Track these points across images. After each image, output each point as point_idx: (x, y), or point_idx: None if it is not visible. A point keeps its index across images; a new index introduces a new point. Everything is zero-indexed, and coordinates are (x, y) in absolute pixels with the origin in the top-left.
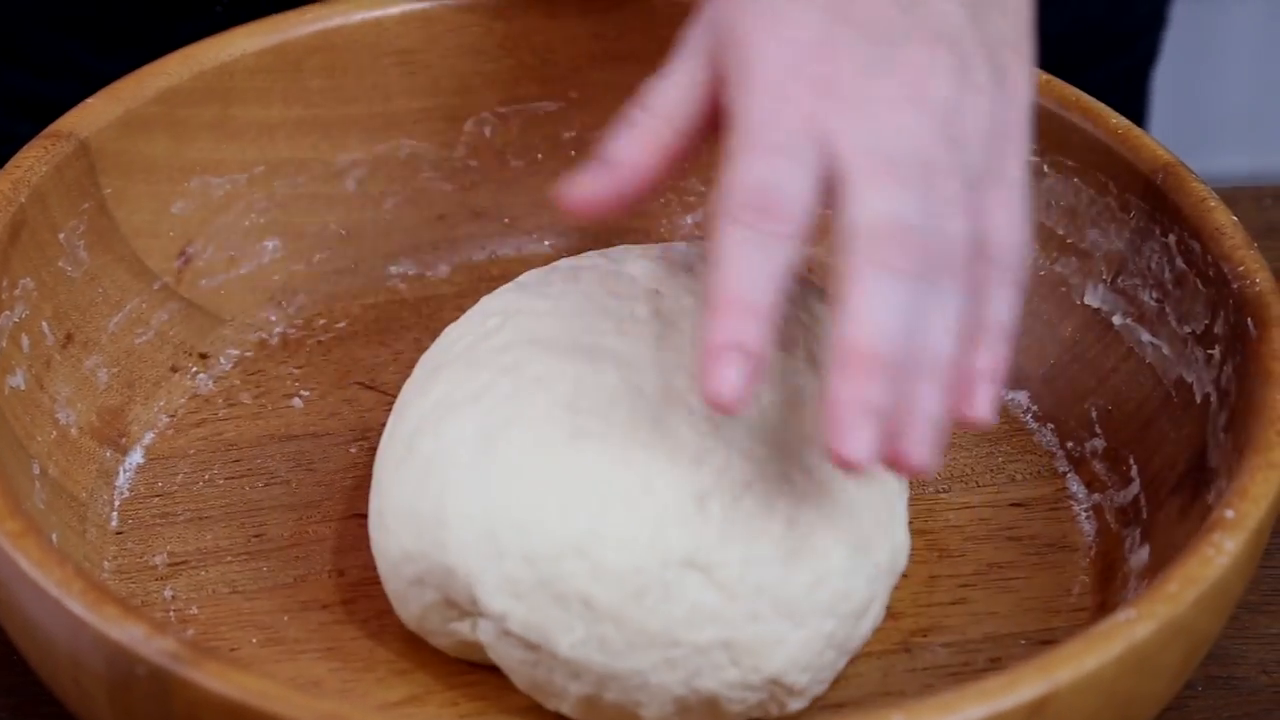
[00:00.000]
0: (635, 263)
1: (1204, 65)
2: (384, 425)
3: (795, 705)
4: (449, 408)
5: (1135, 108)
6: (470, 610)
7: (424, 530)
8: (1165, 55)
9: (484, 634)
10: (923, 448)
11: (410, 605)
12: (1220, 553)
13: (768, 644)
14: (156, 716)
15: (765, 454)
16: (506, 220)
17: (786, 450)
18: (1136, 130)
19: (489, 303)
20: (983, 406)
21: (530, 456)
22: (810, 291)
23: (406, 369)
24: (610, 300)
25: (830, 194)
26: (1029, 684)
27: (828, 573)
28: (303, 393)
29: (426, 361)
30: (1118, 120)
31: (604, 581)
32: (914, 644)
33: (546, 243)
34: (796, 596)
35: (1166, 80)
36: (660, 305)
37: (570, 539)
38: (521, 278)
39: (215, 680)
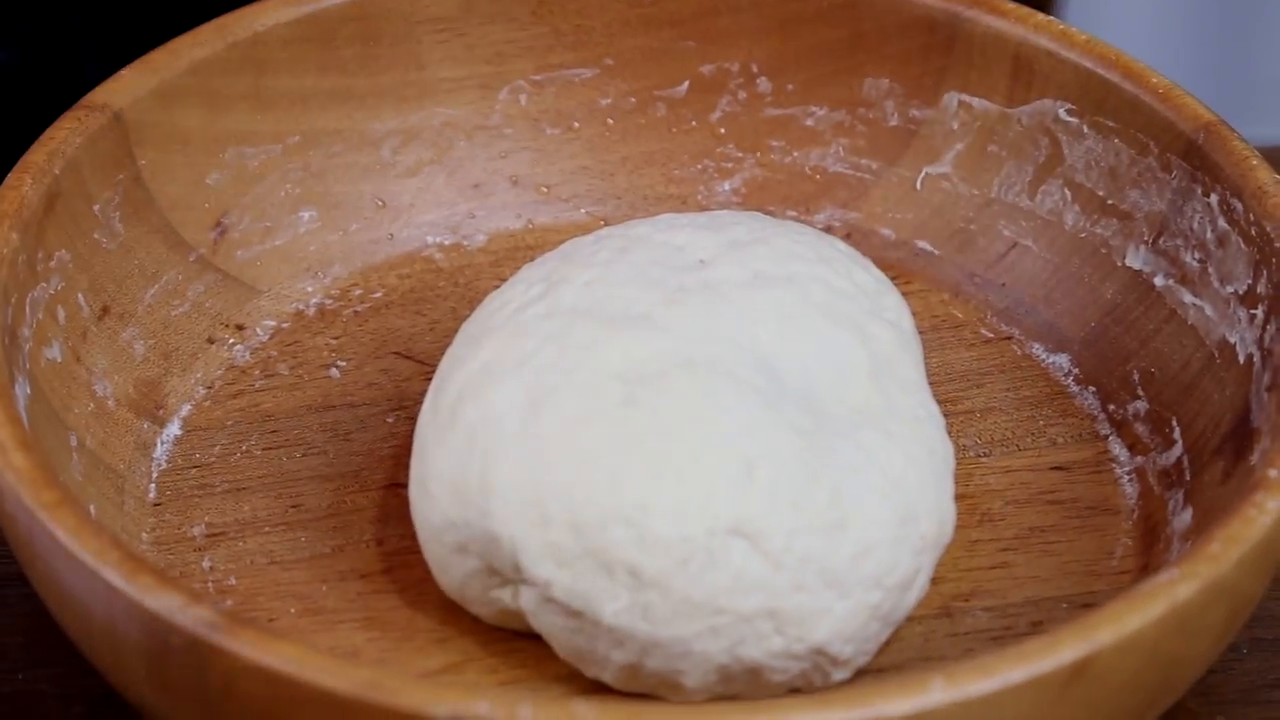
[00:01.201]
0: (681, 232)
1: (1255, 28)
2: (421, 395)
3: (838, 675)
4: (493, 375)
5: None
6: (513, 578)
7: (468, 497)
8: (1215, 18)
9: (526, 602)
10: None
11: (451, 573)
12: (1263, 512)
13: (813, 614)
14: (193, 686)
15: (813, 425)
16: (543, 188)
17: (834, 422)
18: (1178, 89)
19: (531, 270)
20: None
21: (577, 424)
22: (854, 261)
23: (443, 338)
24: (657, 270)
25: None
26: (1070, 645)
27: (874, 544)
28: (339, 363)
29: (468, 329)
30: (1158, 79)
31: (650, 549)
32: (955, 608)
33: (583, 210)
34: (842, 567)
35: (1216, 43)
36: (708, 276)
37: (616, 507)
38: (564, 246)
39: (251, 649)
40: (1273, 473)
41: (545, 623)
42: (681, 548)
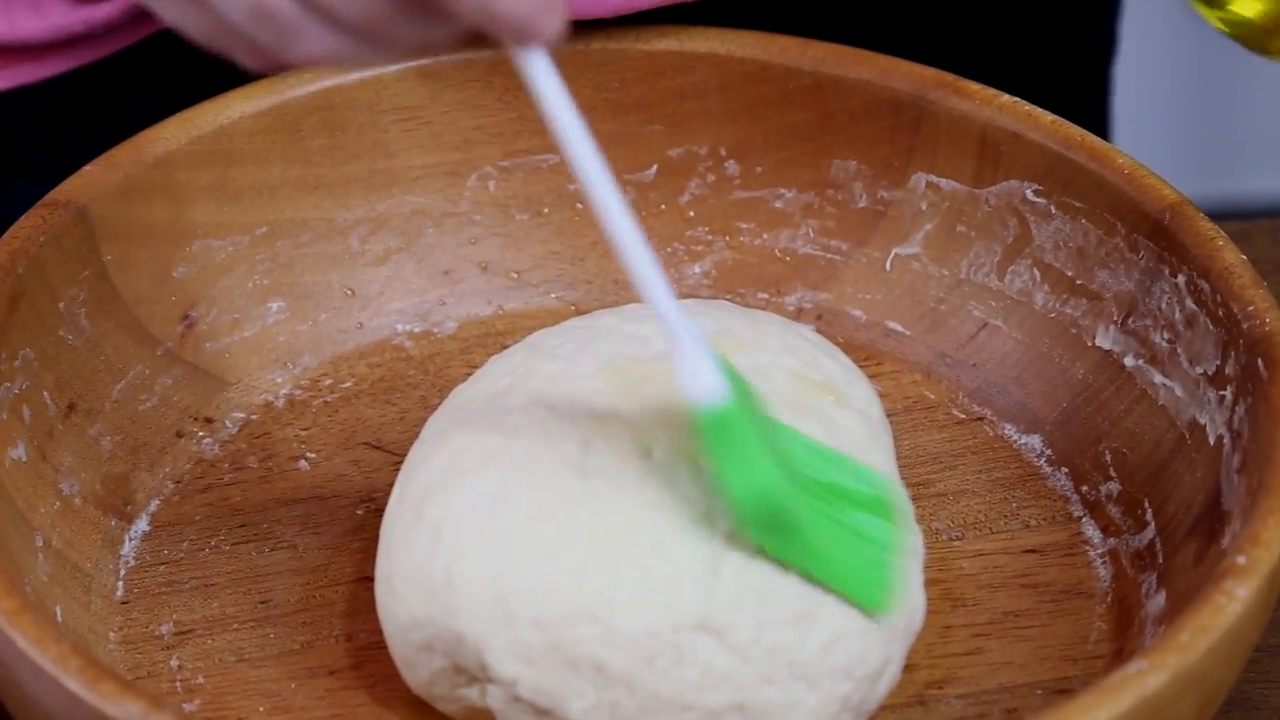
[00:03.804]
0: (647, 322)
1: (1240, 85)
2: (390, 486)
3: None
4: (457, 472)
5: (1094, 103)
6: (479, 676)
7: (433, 596)
8: (1201, 76)
9: (494, 700)
10: None
11: (418, 671)
12: (1232, 600)
13: (782, 707)
14: None
15: None
16: (513, 274)
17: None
18: (1143, 169)
19: (497, 364)
20: None
21: (539, 521)
22: (822, 350)
23: (413, 428)
24: (622, 362)
25: None
26: None
27: (842, 635)
28: (309, 454)
29: (434, 424)
30: (1124, 160)
31: (616, 646)
32: (929, 696)
33: (554, 296)
34: (811, 659)
35: (1201, 100)
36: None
37: (581, 603)
38: (531, 338)
39: None
40: (1241, 559)
41: None
42: (647, 644)
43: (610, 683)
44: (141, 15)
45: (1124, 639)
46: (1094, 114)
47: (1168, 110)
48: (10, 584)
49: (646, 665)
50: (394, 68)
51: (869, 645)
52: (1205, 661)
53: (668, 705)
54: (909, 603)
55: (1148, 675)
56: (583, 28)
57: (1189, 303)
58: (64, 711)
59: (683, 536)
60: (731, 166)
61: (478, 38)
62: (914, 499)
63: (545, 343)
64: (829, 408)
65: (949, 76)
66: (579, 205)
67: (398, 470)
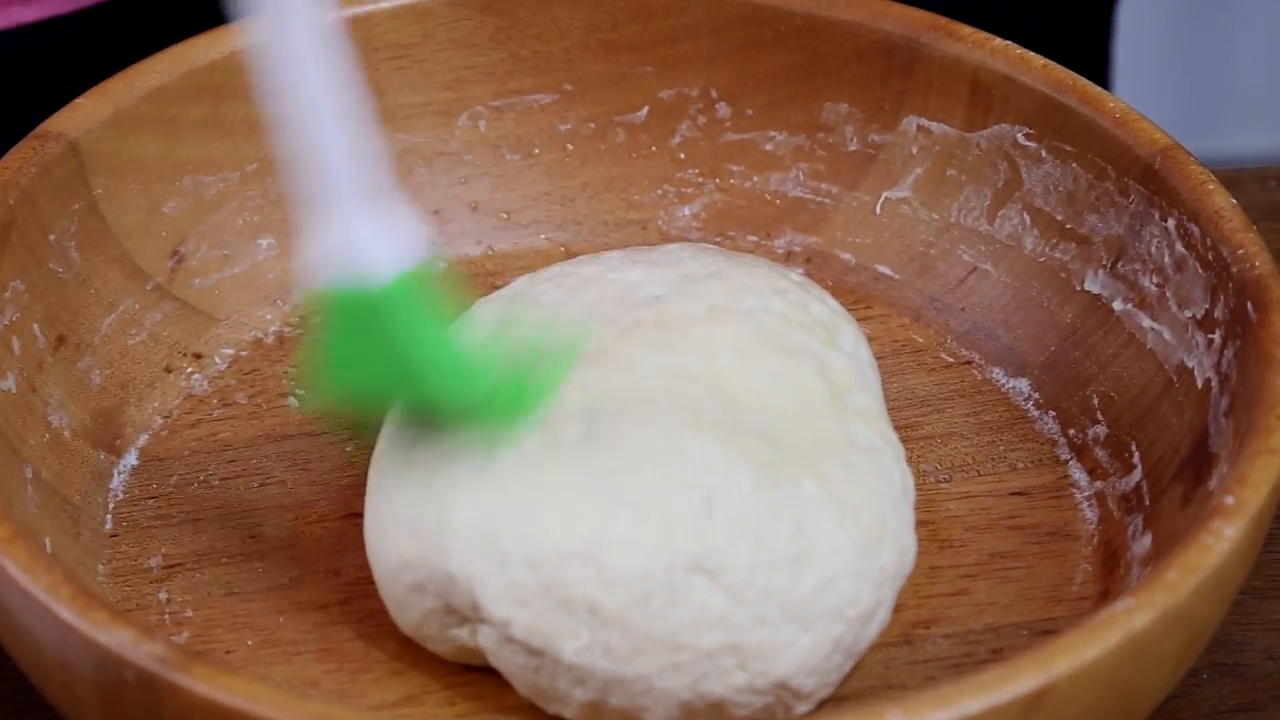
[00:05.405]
0: (633, 268)
1: (1220, 43)
2: (379, 423)
3: (801, 709)
4: None
5: (1094, 46)
6: (471, 617)
7: (425, 537)
8: (1181, 32)
9: (485, 640)
10: None
11: (409, 612)
12: (1220, 540)
13: (775, 648)
14: None
15: (772, 458)
16: (504, 214)
17: (793, 454)
18: (1134, 113)
19: (483, 310)
20: None
21: (533, 462)
22: (809, 293)
23: None
24: (610, 307)
25: None
26: (1026, 676)
27: (835, 576)
28: (298, 391)
29: None
30: (1115, 104)
31: (609, 587)
32: (915, 636)
33: (543, 236)
34: (804, 600)
35: (1182, 57)
36: (662, 310)
37: (574, 544)
38: (514, 284)
39: (203, 684)
40: (1229, 500)
41: (505, 661)
42: (641, 584)
43: (604, 623)
44: None
45: (1110, 581)
46: (1094, 57)
47: (1156, 66)
48: (1, 512)
49: (640, 606)
50: (386, 5)
51: (861, 587)
52: (1192, 600)
53: (661, 645)
54: (900, 545)
55: (1135, 613)
56: None
57: (1179, 246)
58: (55, 639)
59: (677, 478)
60: (723, 108)
61: None
62: (902, 441)
63: (531, 290)
64: (817, 349)
65: (941, 19)
66: (569, 146)
67: None
